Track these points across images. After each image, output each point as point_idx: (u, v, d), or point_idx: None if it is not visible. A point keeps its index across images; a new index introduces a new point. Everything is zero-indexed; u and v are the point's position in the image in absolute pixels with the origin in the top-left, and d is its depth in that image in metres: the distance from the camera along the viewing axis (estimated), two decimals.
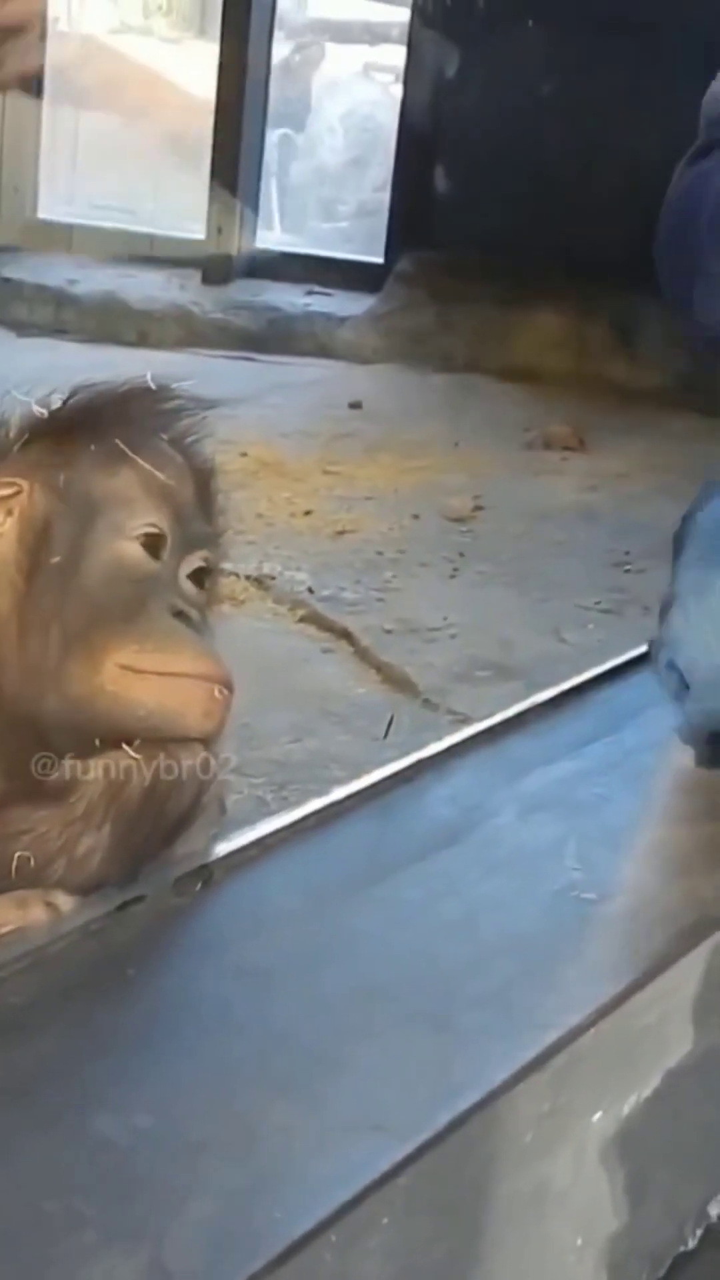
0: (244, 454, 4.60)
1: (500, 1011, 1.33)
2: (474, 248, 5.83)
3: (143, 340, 6.01)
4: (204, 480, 1.60)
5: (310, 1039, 1.26)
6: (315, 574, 3.87)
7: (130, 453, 1.52)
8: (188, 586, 1.54)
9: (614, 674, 1.99)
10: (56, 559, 1.49)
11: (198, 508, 1.57)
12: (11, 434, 1.53)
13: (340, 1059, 1.24)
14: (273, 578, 3.78)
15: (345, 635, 3.55)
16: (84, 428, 1.54)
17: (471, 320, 5.82)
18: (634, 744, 1.77)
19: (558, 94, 5.75)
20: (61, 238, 6.61)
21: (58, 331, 6.02)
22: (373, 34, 8.21)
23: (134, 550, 1.50)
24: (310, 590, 3.77)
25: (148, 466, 1.52)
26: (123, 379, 1.59)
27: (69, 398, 1.56)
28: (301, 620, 3.65)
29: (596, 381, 5.39)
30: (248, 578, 3.72)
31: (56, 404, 1.56)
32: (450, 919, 1.45)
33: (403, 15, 6.48)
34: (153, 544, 1.51)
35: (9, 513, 1.50)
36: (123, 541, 1.50)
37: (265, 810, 2.77)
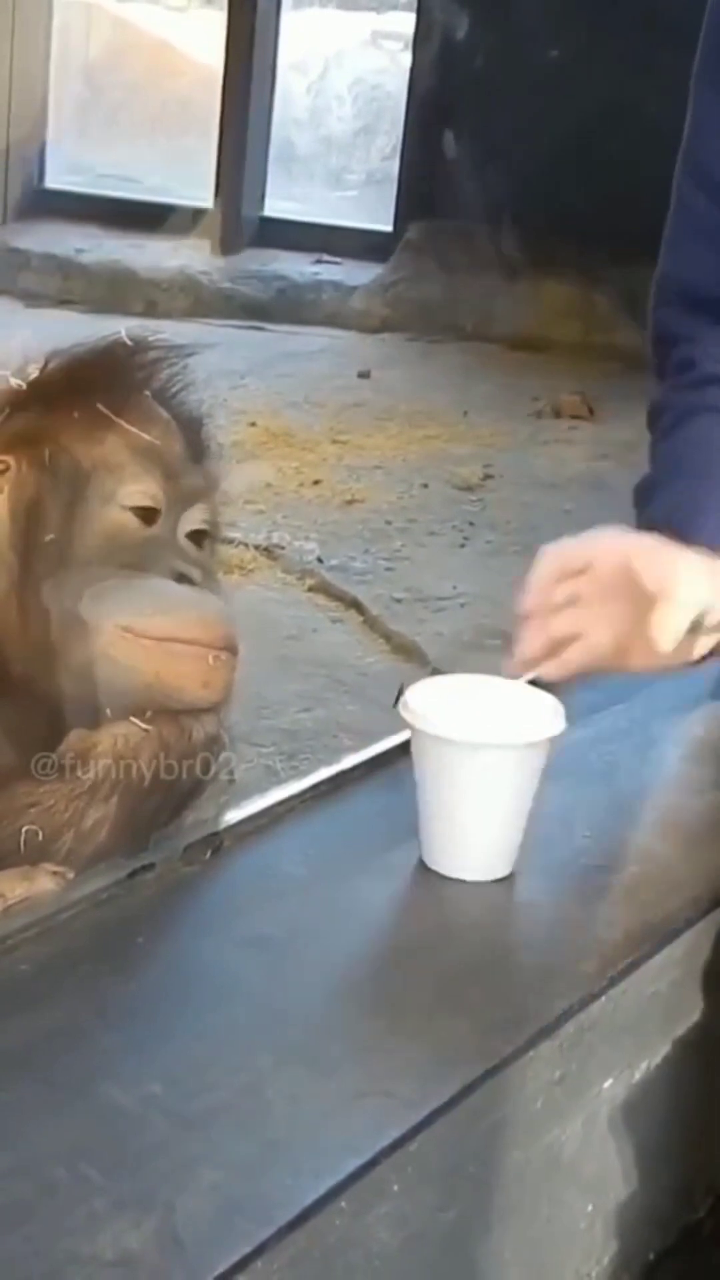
0: (253, 424, 4.61)
1: (511, 980, 1.32)
2: (483, 216, 5.81)
3: (150, 310, 6.00)
4: (194, 431, 1.57)
5: (320, 1007, 1.25)
6: (324, 543, 3.87)
7: (114, 417, 1.50)
8: (188, 544, 1.53)
9: None
10: (50, 536, 1.48)
11: (190, 461, 1.55)
12: None
13: (350, 1027, 1.23)
14: (281, 547, 3.79)
15: (354, 604, 3.56)
16: (65, 395, 1.51)
17: (480, 289, 5.81)
18: (643, 714, 1.76)
19: (567, 61, 5.72)
20: (69, 207, 6.59)
21: (65, 302, 6.01)
22: (381, 1, 8.16)
23: (127, 518, 1.49)
24: (319, 559, 3.78)
25: (133, 429, 1.50)
26: (97, 338, 1.56)
27: (45, 365, 1.54)
28: (310, 590, 3.66)
29: (605, 350, 5.38)
30: (256, 547, 3.72)
31: (34, 373, 1.53)
32: (460, 886, 1.44)
33: None
34: (146, 510, 1.49)
35: None
36: (115, 510, 1.49)
37: (275, 779, 2.78)
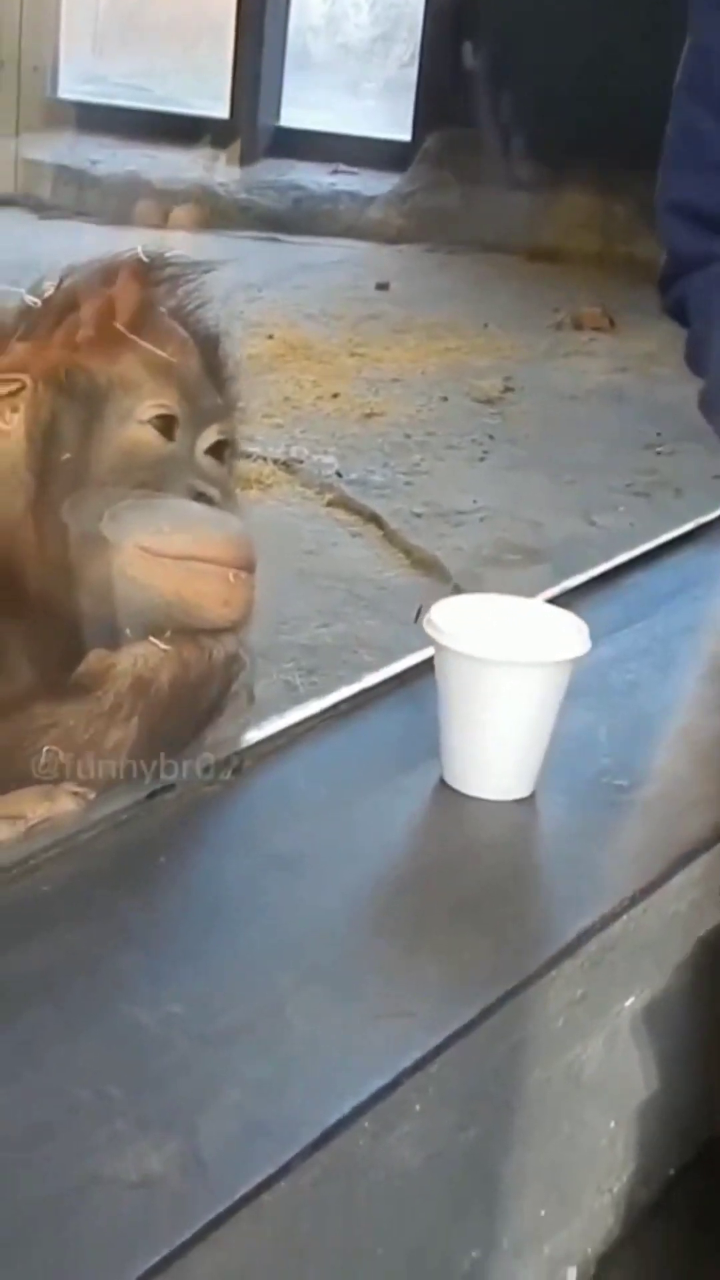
0: (270, 336, 4.58)
1: (533, 899, 1.33)
2: (501, 126, 5.75)
3: (167, 221, 5.95)
4: (211, 349, 1.56)
5: (341, 927, 1.25)
6: (343, 457, 3.86)
7: (130, 334, 1.48)
8: (206, 463, 1.52)
9: (646, 559, 1.97)
10: (67, 454, 1.47)
11: (207, 380, 1.53)
12: (7, 327, 1.50)
13: (370, 947, 1.23)
14: (300, 461, 3.78)
15: (373, 519, 3.55)
16: (79, 315, 1.48)
17: (498, 199, 5.76)
18: (663, 631, 1.76)
19: None
20: (83, 117, 6.53)
21: (80, 213, 5.97)
22: None
23: (146, 434, 1.48)
24: (338, 474, 3.77)
25: (149, 346, 1.49)
26: (112, 255, 1.53)
27: (60, 283, 1.52)
28: (329, 504, 3.65)
29: (624, 261, 5.33)
30: (275, 461, 3.72)
31: (49, 291, 1.52)
32: (481, 806, 1.44)
33: None
34: (165, 425, 1.48)
35: (15, 410, 1.47)
36: (133, 427, 1.47)
37: (294, 695, 2.78)
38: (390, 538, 3.45)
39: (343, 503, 3.63)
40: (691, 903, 1.43)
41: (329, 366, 4.50)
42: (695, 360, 1.79)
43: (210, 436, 1.51)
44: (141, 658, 1.42)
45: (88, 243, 5.63)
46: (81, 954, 1.19)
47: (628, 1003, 1.38)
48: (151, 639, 1.42)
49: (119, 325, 1.47)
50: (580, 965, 1.28)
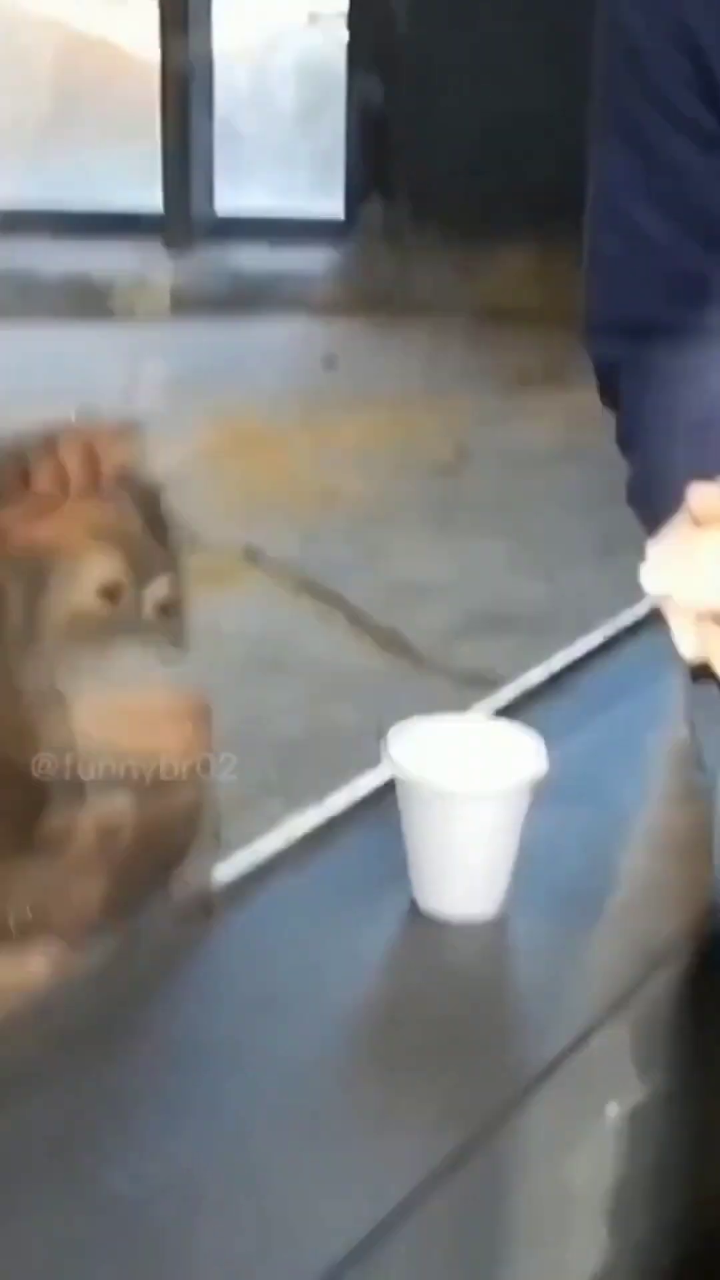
0: (221, 425, 4.60)
1: (508, 1024, 1.33)
2: (434, 191, 5.80)
3: (109, 315, 5.99)
4: (152, 504, 1.57)
5: (319, 1070, 1.26)
6: (303, 541, 3.88)
7: (69, 501, 1.50)
8: (155, 619, 1.53)
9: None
10: (15, 622, 1.48)
11: (150, 535, 1.55)
12: None
13: (351, 1092, 1.24)
14: (261, 550, 3.79)
15: (338, 601, 3.57)
16: (15, 480, 1.49)
17: (437, 265, 5.80)
18: (624, 724, 1.77)
19: (515, 30, 5.70)
20: (21, 222, 6.57)
21: (26, 314, 6.00)
22: None
23: (92, 599, 1.49)
24: (299, 560, 3.78)
25: (89, 511, 1.50)
26: (43, 418, 1.54)
27: None
28: (293, 590, 3.66)
29: (567, 315, 5.34)
30: (236, 553, 3.73)
31: None
32: (456, 926, 1.45)
33: None
34: (110, 590, 1.49)
35: None
36: (79, 593, 1.49)
37: (270, 791, 2.79)
38: (356, 619, 3.47)
39: (306, 588, 3.65)
40: (671, 1004, 1.44)
41: (283, 449, 4.52)
42: (625, 441, 1.78)
43: (157, 592, 1.53)
44: (104, 813, 1.43)
45: (38, 346, 5.61)
46: (57, 1121, 1.20)
47: (610, 1111, 1.38)
48: (112, 792, 1.44)
49: (56, 491, 1.49)
50: (560, 1083, 1.29)
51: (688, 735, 1.62)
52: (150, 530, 1.53)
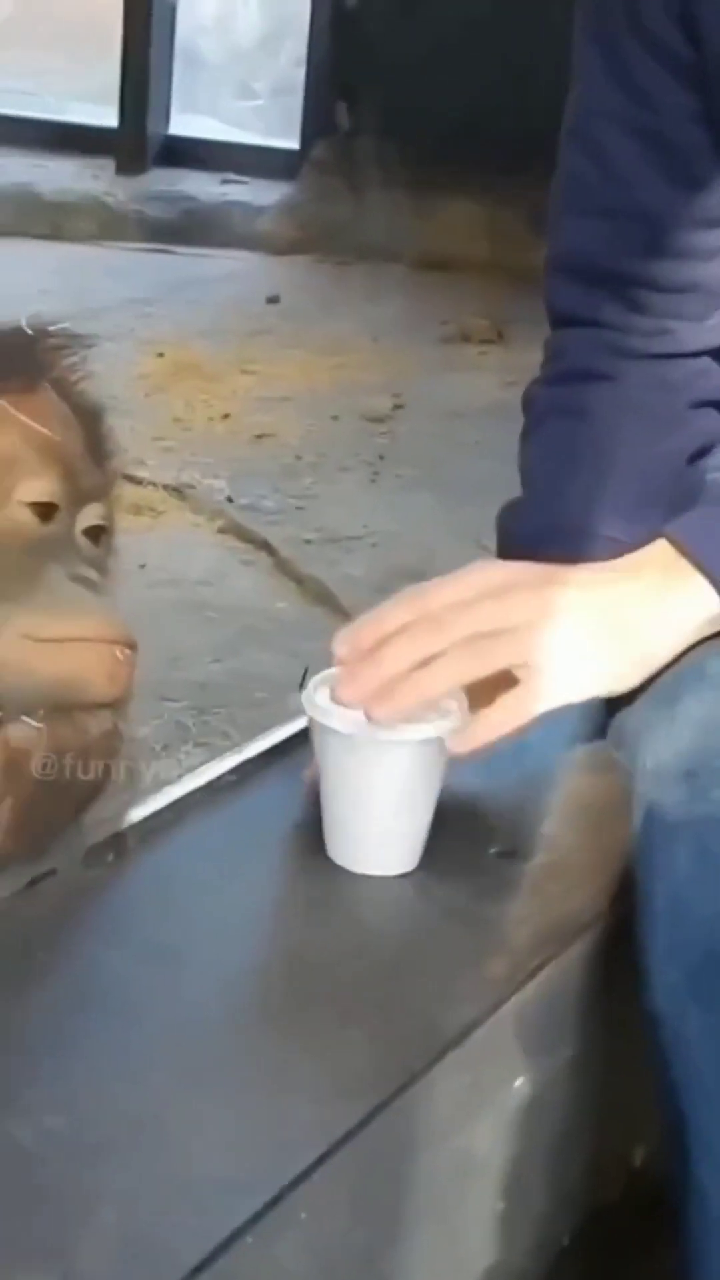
0: (160, 354, 4.55)
1: (419, 986, 1.31)
2: (390, 133, 5.74)
3: (56, 233, 5.90)
4: (93, 425, 1.54)
5: (223, 1025, 1.23)
6: (234, 481, 3.84)
7: (11, 410, 1.46)
8: (84, 544, 1.50)
9: None
10: None
11: (89, 458, 1.52)
12: None
13: (254, 1047, 1.21)
14: (192, 486, 3.76)
15: (265, 546, 3.53)
16: None
17: (388, 209, 5.74)
18: None
19: None
20: None
21: None
22: None
23: (23, 515, 1.45)
24: (229, 499, 3.74)
25: (30, 422, 1.47)
26: None
27: None
28: (220, 531, 3.62)
29: (514, 270, 5.32)
30: (165, 487, 3.68)
31: None
32: (365, 886, 1.42)
33: None
34: (43, 508, 1.46)
35: None
36: (12, 507, 1.45)
37: (186, 734, 2.76)
38: (281, 566, 3.44)
39: (234, 529, 3.61)
40: (580, 978, 1.42)
41: (220, 385, 4.47)
42: (523, 463, 1.75)
43: (89, 518, 1.49)
44: (14, 738, 1.40)
45: None
46: None
47: (516, 1083, 1.36)
48: (24, 718, 1.40)
49: (1, 400, 1.45)
50: (467, 1053, 1.27)
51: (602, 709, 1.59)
52: (89, 452, 1.50)
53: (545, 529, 1.59)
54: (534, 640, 1.36)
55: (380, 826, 1.41)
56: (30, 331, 1.51)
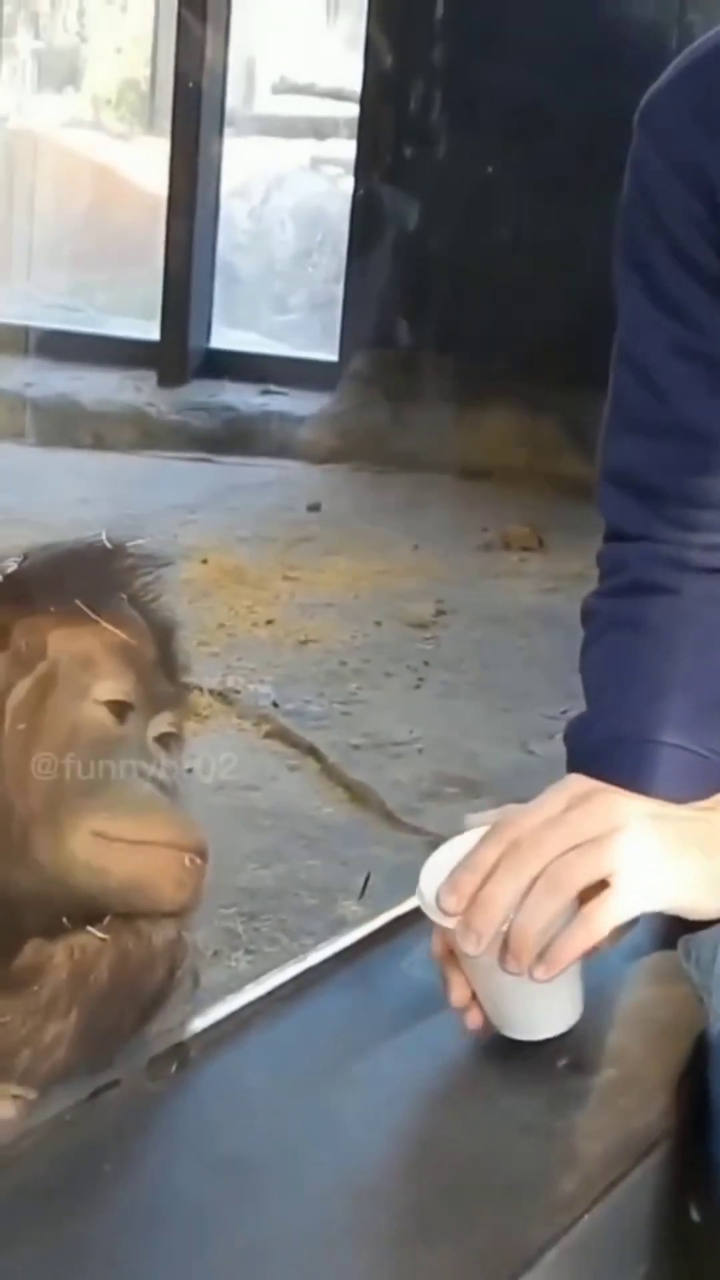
0: (204, 561, 4.59)
1: (492, 1202, 1.28)
2: (427, 345, 5.84)
3: (99, 443, 5.99)
4: (166, 640, 1.57)
5: (291, 1245, 1.20)
6: (279, 686, 3.85)
7: (91, 613, 1.49)
8: (155, 750, 1.51)
9: None
10: (21, 726, 1.45)
11: (161, 668, 1.54)
12: None
13: (324, 1268, 1.19)
14: (237, 691, 3.76)
15: (311, 751, 3.53)
16: (42, 590, 1.51)
17: (427, 419, 5.83)
18: None
19: (511, 188, 5.77)
20: (16, 339, 6.59)
21: (15, 435, 6.00)
22: (319, 130, 8.26)
23: (100, 715, 1.47)
24: (275, 704, 3.75)
25: (110, 627, 1.50)
26: (77, 539, 1.56)
27: (23, 560, 1.53)
28: (267, 736, 3.62)
29: (552, 478, 5.39)
30: (211, 692, 3.69)
31: (11, 567, 1.53)
32: (434, 1096, 1.40)
33: (351, 110, 6.52)
34: (118, 709, 1.47)
35: None
36: (89, 705, 1.47)
37: (236, 941, 2.74)
38: (328, 771, 3.43)
39: (280, 734, 3.61)
40: (652, 1194, 1.39)
41: (263, 591, 4.51)
42: (585, 676, 1.76)
43: (160, 725, 1.51)
44: (79, 947, 1.39)
45: (23, 464, 5.63)
46: (23, 1278, 1.14)
47: None
48: (89, 929, 1.40)
49: (80, 604, 1.47)
50: (541, 1273, 1.24)
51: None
52: (162, 664, 1.52)
53: (610, 740, 1.59)
54: (620, 846, 1.36)
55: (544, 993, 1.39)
56: (109, 545, 1.55)
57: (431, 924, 1.41)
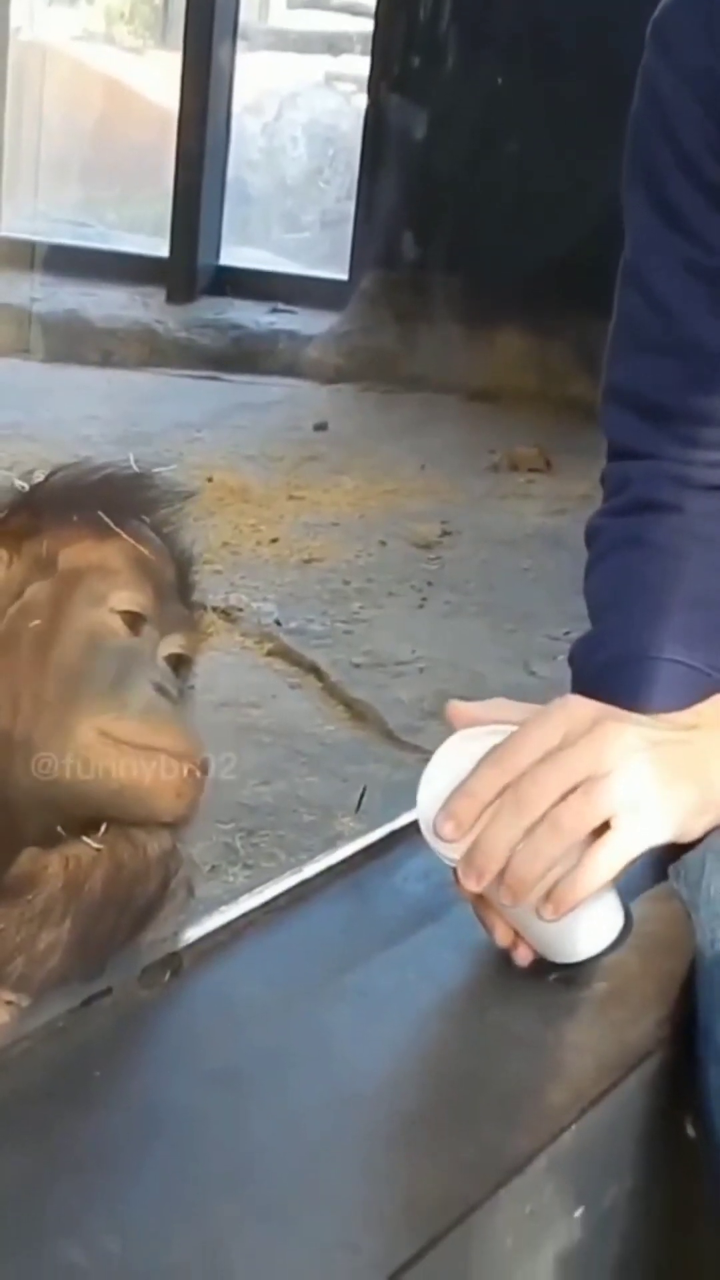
0: (210, 479, 4.58)
1: (479, 1113, 1.29)
2: (438, 266, 5.80)
3: (106, 360, 5.97)
4: (183, 568, 1.58)
5: (283, 1151, 1.21)
6: (282, 605, 3.85)
7: (114, 525, 1.50)
8: (164, 668, 1.51)
9: None
10: (35, 623, 1.46)
11: (176, 591, 1.55)
12: None
13: (314, 1173, 1.19)
14: (240, 609, 3.76)
15: (313, 670, 3.53)
16: (66, 503, 1.53)
17: (435, 340, 5.80)
18: None
19: (523, 109, 5.72)
20: (24, 254, 6.55)
21: (22, 351, 5.98)
22: (334, 45, 8.18)
23: (114, 623, 1.48)
24: (278, 622, 3.75)
25: (130, 540, 1.50)
26: (104, 462, 1.57)
27: (50, 475, 1.55)
28: (269, 654, 3.63)
29: (561, 401, 5.37)
30: (214, 609, 3.69)
31: (38, 479, 1.55)
32: (426, 1009, 1.41)
33: (365, 26, 6.46)
34: (132, 619, 1.48)
35: None
36: (104, 612, 1.48)
37: (234, 856, 2.75)
38: (330, 690, 3.43)
39: (282, 652, 3.62)
40: (641, 1107, 1.40)
41: (268, 510, 4.50)
42: (589, 596, 1.75)
43: (171, 645, 1.51)
44: (74, 857, 1.39)
45: (29, 379, 5.59)
46: (11, 1183, 1.15)
47: (578, 1213, 1.34)
48: (84, 838, 1.40)
49: (103, 516, 1.49)
50: (529, 1181, 1.25)
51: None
52: (179, 588, 1.54)
53: (615, 659, 1.59)
54: (620, 787, 1.36)
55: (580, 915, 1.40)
56: (137, 472, 1.56)
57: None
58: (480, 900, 1.42)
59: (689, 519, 1.67)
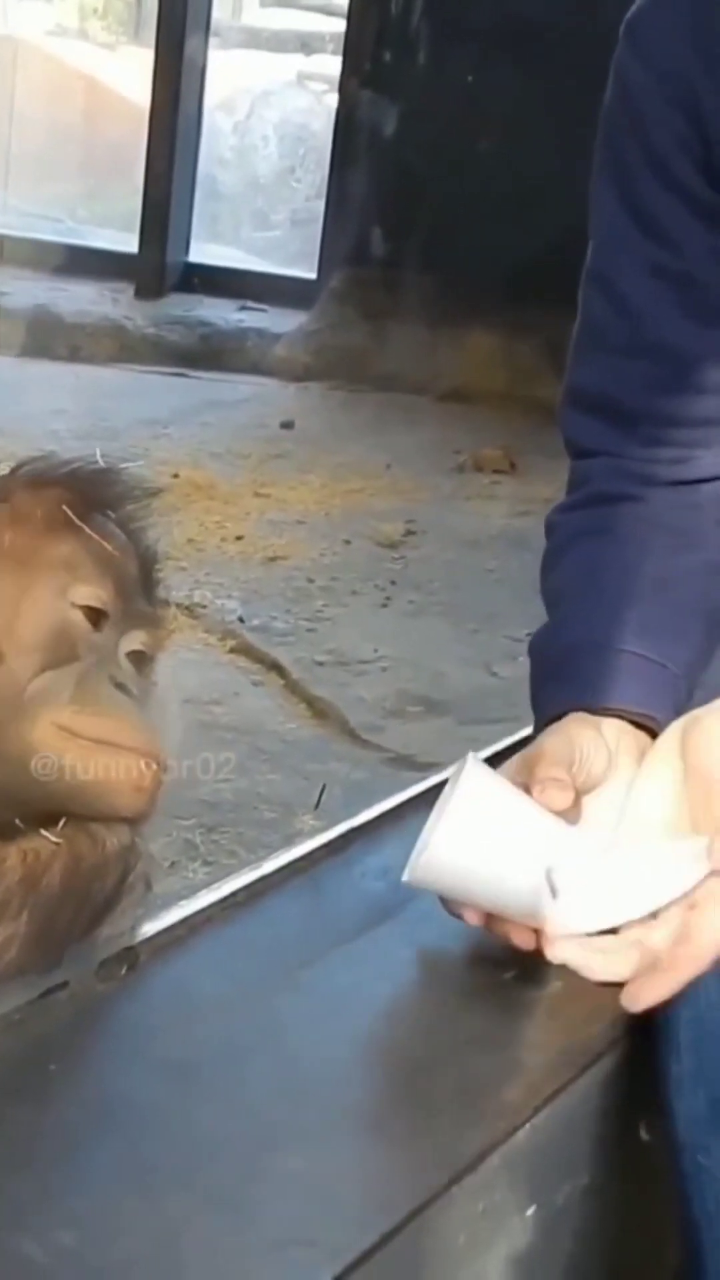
0: (175, 475, 4.57)
1: (435, 1108, 1.29)
2: (407, 264, 5.80)
3: (74, 355, 5.96)
4: (147, 566, 1.57)
5: (238, 1144, 1.21)
6: (246, 602, 3.85)
7: (78, 520, 1.50)
8: (125, 665, 1.51)
9: None
10: None
11: (139, 588, 1.54)
12: None
13: (269, 1166, 1.20)
14: (203, 606, 3.76)
15: (276, 667, 3.54)
16: (31, 495, 1.52)
17: (403, 339, 5.80)
18: None
19: (494, 106, 5.73)
20: None
21: None
22: (306, 44, 8.18)
23: (75, 616, 1.47)
24: (241, 620, 3.75)
25: (95, 536, 1.50)
26: (70, 457, 1.57)
27: (16, 469, 1.55)
28: (232, 651, 3.63)
29: (528, 402, 5.37)
30: (178, 606, 3.69)
31: (3, 473, 1.54)
32: (382, 1005, 1.41)
33: (338, 25, 6.46)
34: (94, 614, 1.48)
35: None
36: (64, 605, 1.47)
37: (194, 853, 2.75)
38: (292, 687, 3.44)
39: (245, 650, 3.62)
40: (596, 1105, 1.41)
41: (233, 507, 4.50)
42: (547, 587, 1.75)
43: (133, 642, 1.51)
44: (32, 851, 1.39)
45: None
46: None
47: (530, 1211, 1.34)
48: (43, 831, 1.40)
49: (69, 512, 1.48)
50: (482, 1179, 1.25)
51: None
52: (142, 586, 1.53)
53: (574, 646, 1.58)
54: None
55: None
56: (103, 467, 1.55)
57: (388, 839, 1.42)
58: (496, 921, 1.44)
59: (653, 508, 1.66)
